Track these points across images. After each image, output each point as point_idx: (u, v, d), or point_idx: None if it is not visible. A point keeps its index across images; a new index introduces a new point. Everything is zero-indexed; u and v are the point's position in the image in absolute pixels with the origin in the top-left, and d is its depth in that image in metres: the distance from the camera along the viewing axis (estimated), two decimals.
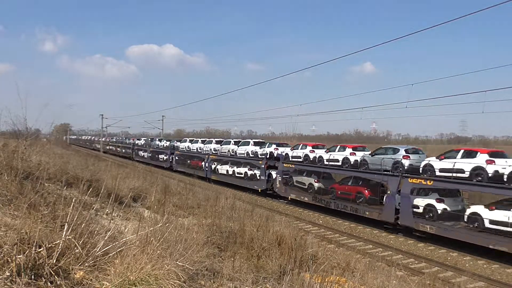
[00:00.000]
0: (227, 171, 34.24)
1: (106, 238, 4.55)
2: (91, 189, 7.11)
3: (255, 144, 33.85)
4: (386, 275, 9.49)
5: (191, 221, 10.45)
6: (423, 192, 18.26)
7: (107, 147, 73.41)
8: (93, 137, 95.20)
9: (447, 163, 17.31)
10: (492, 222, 14.96)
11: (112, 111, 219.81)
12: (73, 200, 4.98)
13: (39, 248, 3.85)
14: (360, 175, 21.83)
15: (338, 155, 23.58)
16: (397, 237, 18.25)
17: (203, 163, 38.52)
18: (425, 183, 17.79)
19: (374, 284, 7.89)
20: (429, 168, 18.18)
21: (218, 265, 6.13)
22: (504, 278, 13.43)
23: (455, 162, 16.87)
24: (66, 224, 4.28)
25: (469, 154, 16.93)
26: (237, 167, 33.14)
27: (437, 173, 17.68)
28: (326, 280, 6.21)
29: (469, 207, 16.54)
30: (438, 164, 17.80)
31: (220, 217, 10.64)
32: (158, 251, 4.46)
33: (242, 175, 32.21)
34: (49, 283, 3.63)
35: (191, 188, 19.30)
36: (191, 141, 45.07)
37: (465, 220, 16.06)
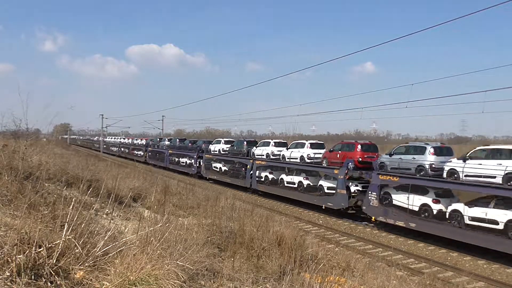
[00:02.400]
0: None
1: (106, 238, 4.55)
2: (91, 189, 7.11)
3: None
4: (386, 275, 9.50)
5: (191, 221, 10.44)
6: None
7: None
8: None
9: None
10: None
11: (112, 111, 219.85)
12: (73, 200, 4.98)
13: (39, 248, 3.85)
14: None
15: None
16: (397, 237, 18.25)
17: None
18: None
19: (374, 284, 7.89)
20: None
21: (218, 265, 6.13)
22: (504, 278, 13.43)
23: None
24: (66, 224, 4.28)
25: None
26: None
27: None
28: (326, 280, 6.22)
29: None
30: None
31: (220, 217, 10.62)
32: (158, 251, 4.46)
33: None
34: (49, 283, 3.64)
35: (191, 188, 19.29)
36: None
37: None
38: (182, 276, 4.25)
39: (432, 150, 18.02)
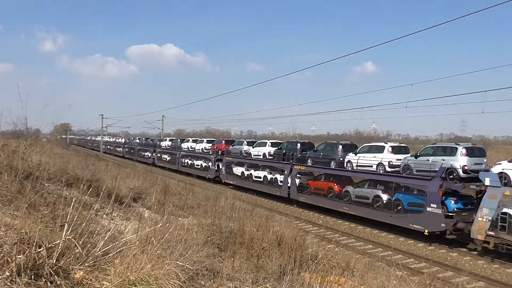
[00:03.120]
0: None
1: (106, 238, 4.55)
2: (91, 189, 7.13)
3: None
4: (386, 275, 9.50)
5: (191, 221, 10.45)
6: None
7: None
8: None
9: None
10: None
11: (112, 111, 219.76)
12: (73, 200, 4.98)
13: (39, 248, 3.85)
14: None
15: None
16: (397, 237, 18.26)
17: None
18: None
19: (374, 284, 7.89)
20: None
21: (218, 265, 6.13)
22: (504, 278, 13.43)
23: None
24: (66, 224, 4.28)
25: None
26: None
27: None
28: (326, 280, 6.23)
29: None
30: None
31: (220, 217, 10.63)
32: (158, 251, 4.46)
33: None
34: (49, 283, 3.64)
35: (191, 188, 19.30)
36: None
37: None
38: (182, 276, 4.25)
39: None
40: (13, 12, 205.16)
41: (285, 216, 18.62)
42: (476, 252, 15.71)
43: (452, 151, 17.42)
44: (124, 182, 14.03)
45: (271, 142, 31.00)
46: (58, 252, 3.93)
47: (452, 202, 16.99)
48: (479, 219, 14.97)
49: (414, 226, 17.51)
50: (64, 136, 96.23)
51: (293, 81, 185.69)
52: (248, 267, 7.16)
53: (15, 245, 3.69)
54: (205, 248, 6.46)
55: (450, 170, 16.82)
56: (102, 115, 69.72)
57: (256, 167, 30.24)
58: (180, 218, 10.54)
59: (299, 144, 27.62)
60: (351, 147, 23.61)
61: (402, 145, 21.34)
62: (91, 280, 3.94)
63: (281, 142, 31.34)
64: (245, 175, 30.67)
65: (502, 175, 15.03)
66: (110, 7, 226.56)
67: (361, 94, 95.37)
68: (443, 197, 16.91)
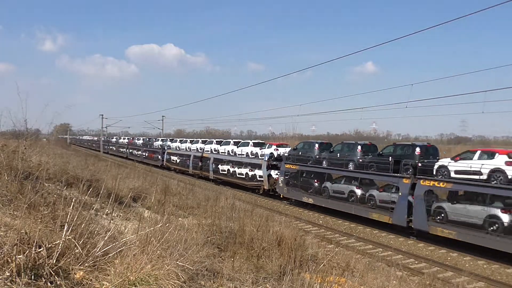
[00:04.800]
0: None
1: (106, 238, 4.55)
2: (91, 189, 7.11)
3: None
4: (386, 275, 9.51)
5: (191, 221, 10.45)
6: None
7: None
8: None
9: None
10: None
11: (112, 111, 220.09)
12: (73, 200, 4.98)
13: (39, 248, 3.85)
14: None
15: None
16: (397, 237, 18.26)
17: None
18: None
19: (374, 284, 7.90)
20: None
21: (218, 265, 6.13)
22: (504, 278, 13.43)
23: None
24: (66, 224, 4.28)
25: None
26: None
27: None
28: (326, 280, 6.23)
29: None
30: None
31: (220, 217, 10.63)
32: (158, 251, 4.46)
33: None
34: (49, 283, 3.64)
35: (191, 188, 19.29)
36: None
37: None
38: (182, 276, 4.25)
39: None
40: (13, 12, 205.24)
41: (285, 216, 18.60)
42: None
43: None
44: (124, 182, 14.04)
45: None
46: (58, 252, 3.92)
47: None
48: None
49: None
50: (65, 136, 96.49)
51: (293, 81, 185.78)
52: (248, 267, 7.16)
53: (15, 245, 3.69)
54: (205, 248, 6.45)
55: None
56: (102, 115, 69.70)
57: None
58: (180, 218, 10.54)
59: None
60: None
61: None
62: (91, 280, 3.94)
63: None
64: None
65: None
66: (110, 7, 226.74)
67: (361, 94, 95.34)
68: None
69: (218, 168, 34.98)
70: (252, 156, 31.33)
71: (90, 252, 4.23)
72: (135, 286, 3.92)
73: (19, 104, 8.25)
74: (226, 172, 33.85)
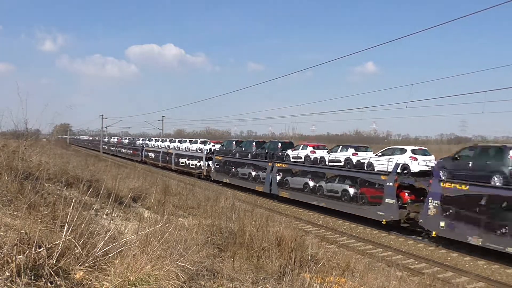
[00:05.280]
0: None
1: (106, 239, 4.55)
2: (91, 189, 7.11)
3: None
4: (386, 275, 9.50)
5: (191, 221, 10.44)
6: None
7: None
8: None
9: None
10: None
11: (112, 111, 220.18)
12: (73, 201, 4.98)
13: (39, 248, 3.85)
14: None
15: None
16: (397, 237, 18.26)
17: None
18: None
19: (374, 285, 7.90)
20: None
21: (218, 266, 6.13)
22: (504, 278, 13.42)
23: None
24: (66, 224, 4.28)
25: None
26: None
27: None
28: (326, 280, 6.23)
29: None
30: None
31: (220, 217, 10.63)
32: (158, 252, 4.46)
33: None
34: (49, 284, 3.64)
35: (191, 189, 19.29)
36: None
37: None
38: (182, 277, 4.25)
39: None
40: (13, 12, 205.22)
41: (285, 216, 18.60)
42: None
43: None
44: (124, 182, 14.04)
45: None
46: (58, 253, 3.92)
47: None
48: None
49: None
50: (65, 136, 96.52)
51: (293, 81, 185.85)
52: (248, 267, 7.16)
53: (15, 246, 3.69)
54: (205, 248, 6.45)
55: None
56: (102, 115, 69.66)
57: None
58: (180, 218, 10.54)
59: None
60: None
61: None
62: (91, 280, 3.94)
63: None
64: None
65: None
66: (110, 7, 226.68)
67: (362, 94, 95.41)
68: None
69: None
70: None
71: (90, 252, 4.23)
72: (135, 286, 3.92)
73: (19, 104, 8.27)
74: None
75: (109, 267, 4.13)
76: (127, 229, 6.44)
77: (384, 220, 18.79)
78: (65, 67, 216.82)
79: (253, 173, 31.11)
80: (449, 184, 16.58)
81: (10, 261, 3.57)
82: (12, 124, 9.57)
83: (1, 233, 4.19)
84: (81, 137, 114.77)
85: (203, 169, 38.50)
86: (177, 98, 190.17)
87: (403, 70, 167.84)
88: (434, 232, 16.88)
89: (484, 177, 15.38)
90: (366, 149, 24.32)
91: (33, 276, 3.59)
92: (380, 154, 21.20)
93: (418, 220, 17.95)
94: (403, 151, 20.12)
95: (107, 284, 3.92)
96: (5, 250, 3.68)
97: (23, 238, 3.94)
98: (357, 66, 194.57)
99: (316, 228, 20.03)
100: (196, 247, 5.72)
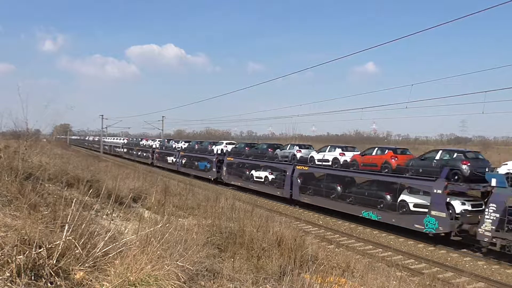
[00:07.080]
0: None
1: (106, 239, 4.55)
2: (91, 189, 7.12)
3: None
4: (386, 275, 9.48)
5: (191, 221, 10.44)
6: None
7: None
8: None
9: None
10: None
11: (112, 111, 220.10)
12: (74, 201, 4.98)
13: (39, 248, 3.85)
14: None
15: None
16: (397, 238, 18.25)
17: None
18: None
19: (374, 285, 7.88)
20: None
21: (218, 266, 6.13)
22: (504, 278, 13.43)
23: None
24: (67, 224, 4.28)
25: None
26: None
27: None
28: (326, 280, 6.22)
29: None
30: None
31: (220, 217, 10.62)
32: (158, 252, 4.46)
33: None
34: (49, 284, 3.64)
35: (191, 189, 19.30)
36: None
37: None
38: (182, 277, 4.25)
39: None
40: (13, 12, 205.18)
41: (285, 216, 18.60)
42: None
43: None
44: (124, 182, 14.03)
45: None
46: (58, 253, 3.93)
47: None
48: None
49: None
50: (65, 137, 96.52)
51: (293, 81, 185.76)
52: (248, 267, 7.15)
53: (15, 246, 3.70)
54: (205, 248, 6.45)
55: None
56: (102, 115, 69.75)
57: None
58: (180, 219, 10.53)
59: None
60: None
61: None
62: (91, 280, 3.94)
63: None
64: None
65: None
66: (110, 7, 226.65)
67: (362, 95, 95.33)
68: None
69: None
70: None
71: (90, 252, 4.23)
72: (135, 287, 3.92)
73: (19, 104, 8.28)
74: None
75: (109, 267, 4.14)
76: (127, 229, 6.44)
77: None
78: (65, 67, 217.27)
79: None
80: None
81: (10, 261, 3.57)
82: (12, 124, 9.58)
83: (2, 234, 4.19)
84: (75, 137, 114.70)
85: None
86: (177, 98, 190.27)
87: (403, 70, 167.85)
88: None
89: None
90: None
91: (33, 276, 3.59)
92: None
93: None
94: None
95: (107, 284, 3.92)
96: (5, 250, 3.69)
97: (24, 238, 3.94)
98: (357, 66, 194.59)
99: (316, 228, 20.03)
100: (196, 248, 5.72)
